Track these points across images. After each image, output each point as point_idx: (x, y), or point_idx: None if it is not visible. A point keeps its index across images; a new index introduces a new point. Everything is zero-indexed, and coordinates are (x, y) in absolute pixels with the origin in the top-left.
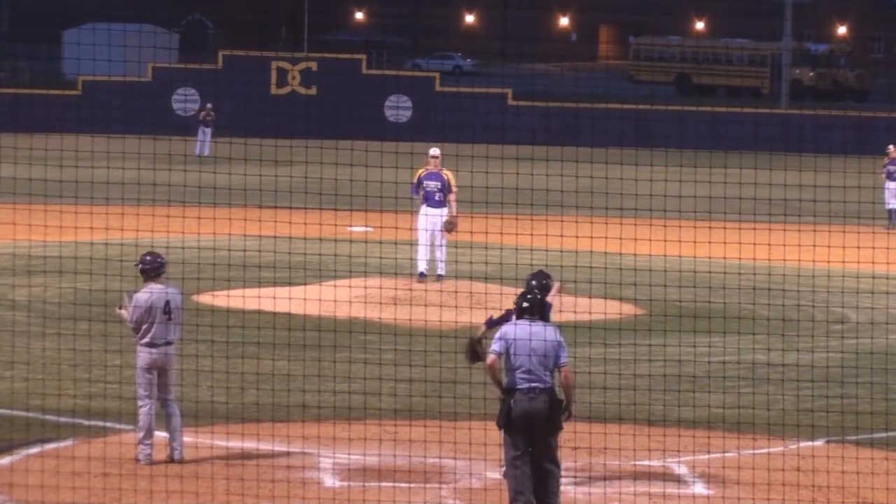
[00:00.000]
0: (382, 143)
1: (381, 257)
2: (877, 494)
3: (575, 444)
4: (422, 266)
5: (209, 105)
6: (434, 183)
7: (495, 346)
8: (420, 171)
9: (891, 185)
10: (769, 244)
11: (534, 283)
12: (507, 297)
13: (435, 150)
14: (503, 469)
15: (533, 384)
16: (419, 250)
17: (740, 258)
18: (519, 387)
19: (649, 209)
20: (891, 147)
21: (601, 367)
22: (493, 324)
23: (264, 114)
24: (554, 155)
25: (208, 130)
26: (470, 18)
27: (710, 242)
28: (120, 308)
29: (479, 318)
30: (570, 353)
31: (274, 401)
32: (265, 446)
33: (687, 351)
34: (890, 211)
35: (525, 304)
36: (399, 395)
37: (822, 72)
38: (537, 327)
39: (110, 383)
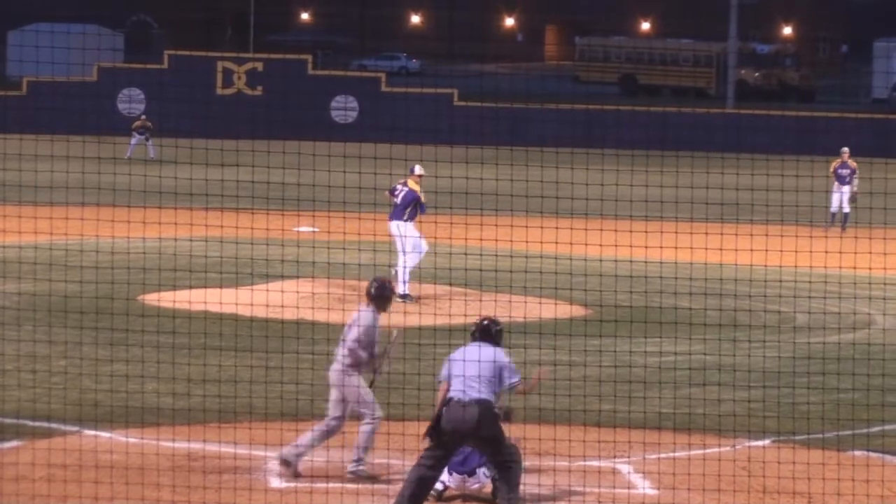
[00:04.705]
0: (330, 144)
1: (328, 259)
2: (817, 489)
3: (524, 446)
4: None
5: (143, 116)
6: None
7: (442, 373)
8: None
9: (840, 188)
10: (720, 248)
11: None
12: (455, 298)
13: (421, 169)
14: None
15: (465, 395)
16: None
17: (692, 261)
18: (452, 397)
19: (600, 212)
20: (845, 149)
21: (550, 369)
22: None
23: (210, 114)
24: (502, 155)
25: (141, 137)
26: (416, 19)
27: (661, 247)
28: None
29: (428, 320)
30: (519, 356)
31: (221, 402)
32: (212, 447)
33: (636, 352)
34: (834, 213)
35: (473, 330)
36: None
37: (767, 72)
38: (473, 348)
39: (55, 385)
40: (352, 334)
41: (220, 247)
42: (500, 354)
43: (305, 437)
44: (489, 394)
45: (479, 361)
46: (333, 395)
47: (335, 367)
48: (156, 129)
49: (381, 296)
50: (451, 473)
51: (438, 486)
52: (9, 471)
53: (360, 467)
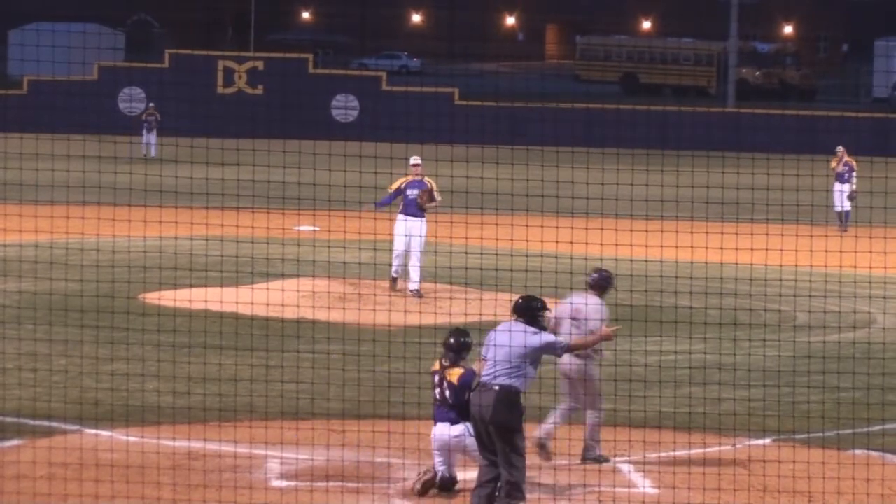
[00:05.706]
0: (330, 143)
1: (329, 258)
2: (817, 488)
3: (525, 444)
4: (395, 270)
5: (152, 104)
6: (415, 191)
7: (482, 351)
8: (401, 180)
9: (840, 186)
10: (721, 247)
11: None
12: (455, 297)
13: (416, 159)
14: None
15: (487, 379)
16: (395, 256)
17: (692, 260)
18: (480, 380)
19: (601, 211)
20: (840, 148)
21: (551, 368)
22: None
23: (211, 113)
24: (502, 154)
25: (151, 131)
26: (416, 18)
27: (661, 246)
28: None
29: (428, 319)
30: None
31: (221, 401)
32: (212, 446)
33: (637, 351)
34: (839, 213)
35: (513, 305)
36: (347, 395)
37: (768, 71)
38: (514, 327)
39: (56, 384)
40: (590, 324)
41: (221, 246)
42: (532, 337)
43: (551, 418)
44: (510, 379)
45: (495, 346)
46: (570, 387)
47: (575, 361)
48: (157, 128)
49: (599, 284)
50: (436, 423)
51: (440, 469)
52: (10, 469)
53: (598, 452)
